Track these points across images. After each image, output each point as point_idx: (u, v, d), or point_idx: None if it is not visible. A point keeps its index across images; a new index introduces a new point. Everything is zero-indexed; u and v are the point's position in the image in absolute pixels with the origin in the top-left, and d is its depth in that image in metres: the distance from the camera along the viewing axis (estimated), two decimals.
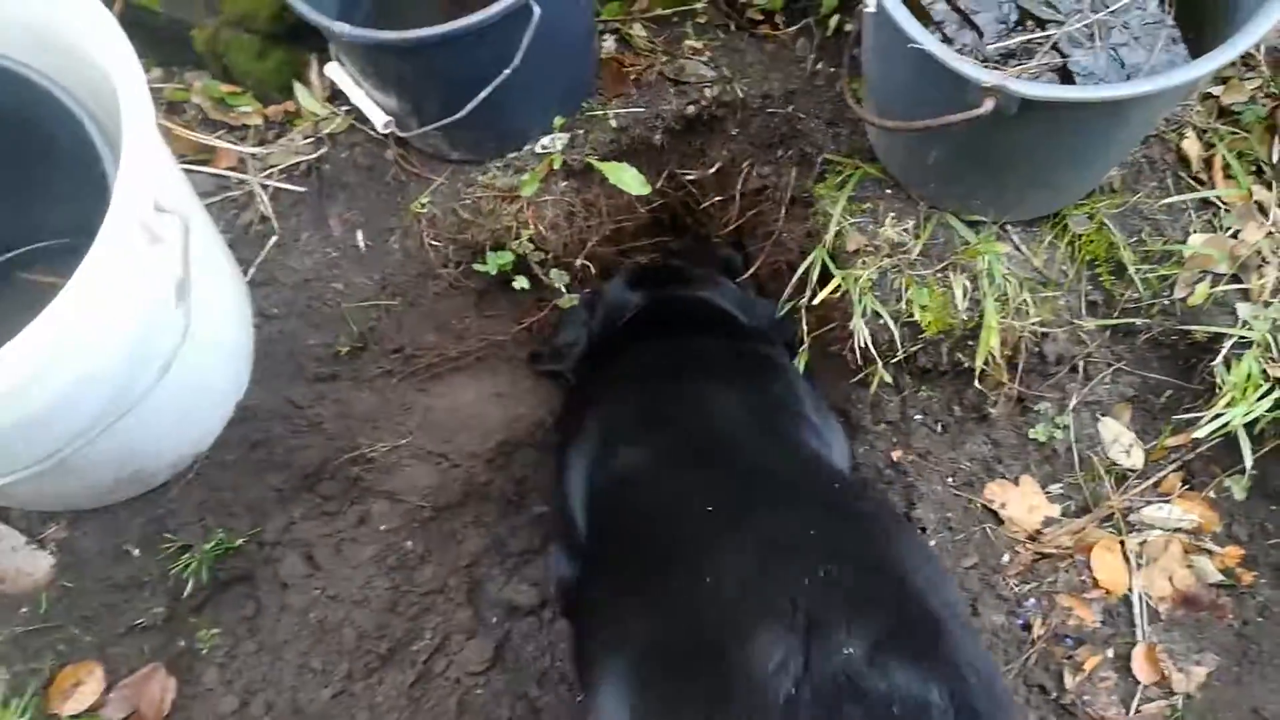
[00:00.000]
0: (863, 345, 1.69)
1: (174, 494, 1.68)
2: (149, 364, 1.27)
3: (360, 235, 1.84)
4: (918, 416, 1.84)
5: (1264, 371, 1.60)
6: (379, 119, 1.75)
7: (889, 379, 1.76)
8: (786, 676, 0.94)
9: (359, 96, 1.76)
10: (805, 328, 1.80)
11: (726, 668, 0.98)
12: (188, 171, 1.85)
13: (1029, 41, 1.46)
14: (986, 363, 1.70)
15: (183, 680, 1.65)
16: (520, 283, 1.84)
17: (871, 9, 1.36)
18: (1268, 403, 1.58)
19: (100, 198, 1.24)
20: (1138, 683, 1.62)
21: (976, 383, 1.75)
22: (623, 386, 1.58)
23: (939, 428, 1.84)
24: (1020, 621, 1.69)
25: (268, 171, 1.86)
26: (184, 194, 1.46)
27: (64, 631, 1.63)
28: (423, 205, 1.81)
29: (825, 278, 1.74)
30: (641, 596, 1.19)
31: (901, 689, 0.93)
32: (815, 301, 1.73)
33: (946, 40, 1.46)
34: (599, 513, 1.45)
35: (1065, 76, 1.45)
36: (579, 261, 1.93)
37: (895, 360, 1.74)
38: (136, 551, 1.66)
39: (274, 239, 1.82)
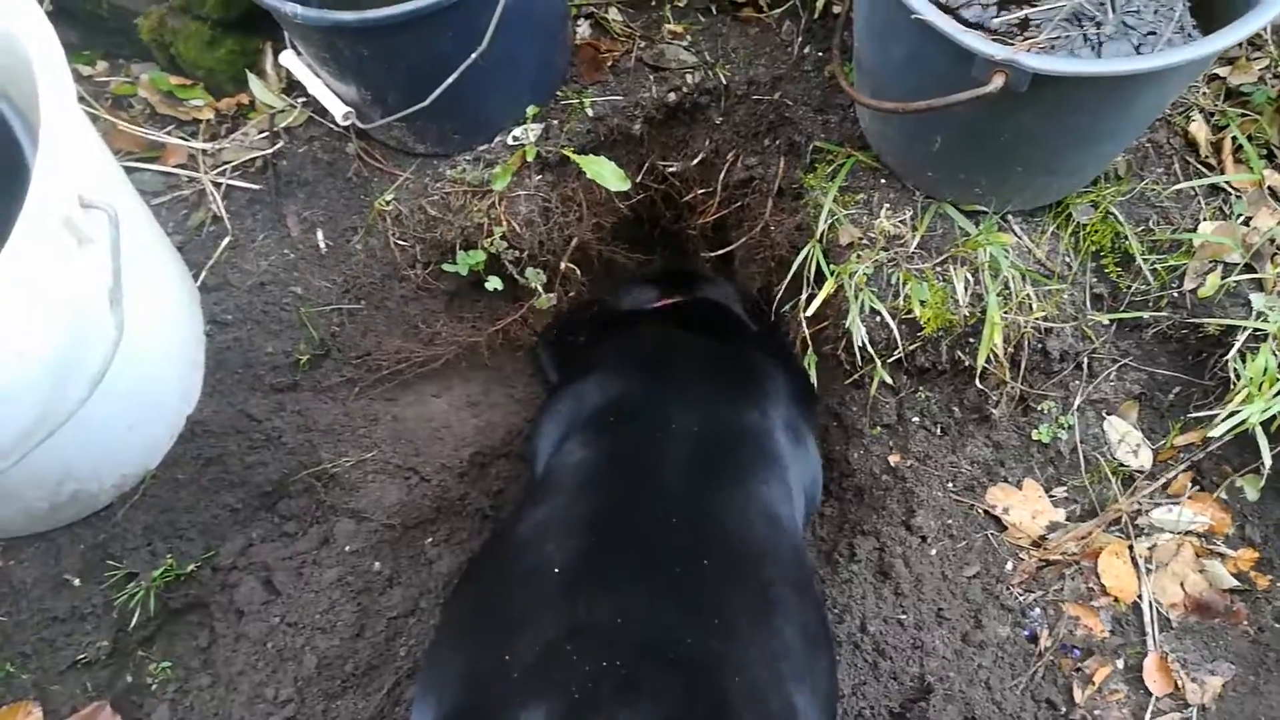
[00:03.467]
0: (860, 344, 1.60)
1: (119, 517, 1.56)
2: (79, 376, 1.14)
3: (320, 235, 1.73)
4: (916, 419, 1.75)
5: None
6: (338, 110, 1.63)
7: (888, 379, 1.67)
8: None
9: (317, 87, 1.65)
10: (804, 330, 1.70)
11: None
12: (133, 170, 1.73)
13: (1026, 17, 1.38)
14: (988, 361, 1.61)
15: (130, 718, 1.53)
16: (493, 283, 1.73)
17: None
18: None
19: (22, 193, 1.12)
20: (1150, 694, 1.55)
21: (977, 382, 1.66)
22: (606, 367, 1.53)
23: (938, 430, 1.75)
24: (1026, 633, 1.61)
25: (220, 168, 1.75)
26: (117, 188, 1.34)
27: None
28: (387, 202, 1.70)
29: (819, 276, 1.65)
30: (487, 622, 1.17)
31: None
32: (812, 307, 1.63)
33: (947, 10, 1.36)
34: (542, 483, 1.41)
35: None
36: (564, 264, 1.82)
37: (893, 359, 1.64)
38: (78, 581, 1.54)
39: (227, 240, 1.71)
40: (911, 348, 1.63)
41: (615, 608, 1.08)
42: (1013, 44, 1.18)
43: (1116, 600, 1.62)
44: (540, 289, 1.76)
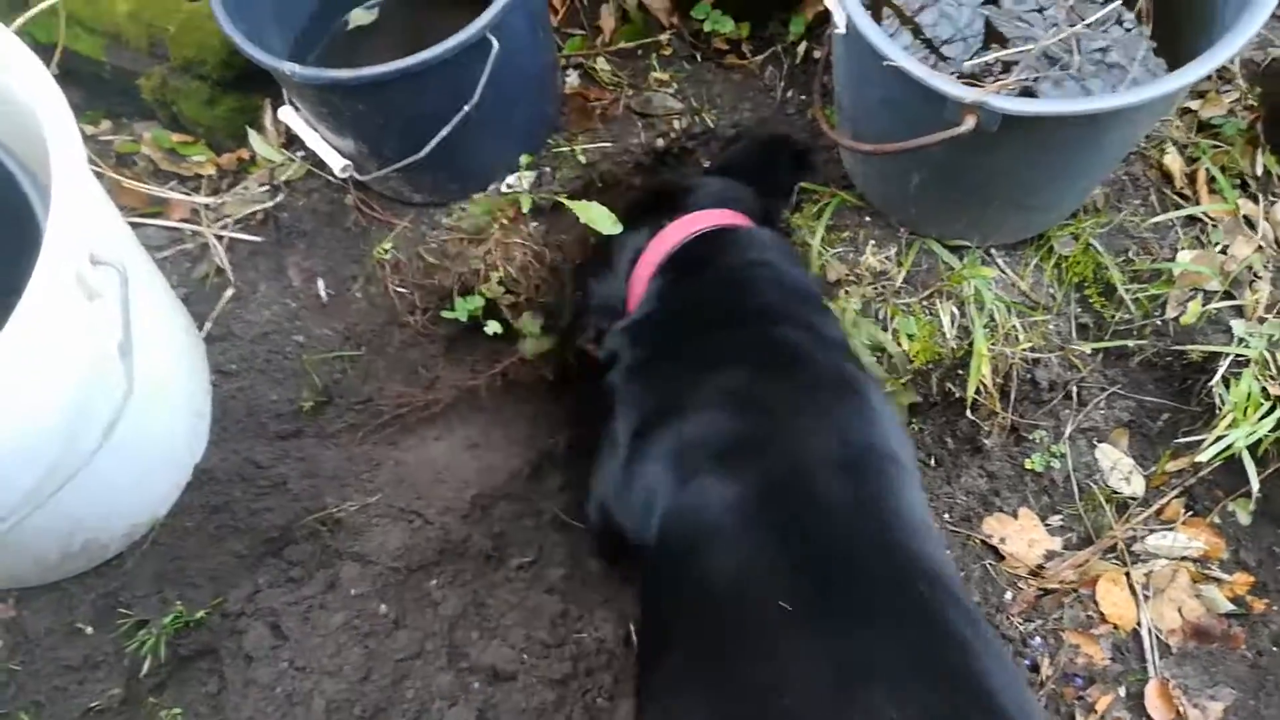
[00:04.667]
0: None
1: (129, 565, 1.59)
2: (89, 429, 1.18)
3: (321, 284, 1.77)
4: None
5: (1264, 390, 1.55)
6: (336, 163, 1.68)
7: None
8: None
9: (315, 140, 1.70)
10: None
11: None
12: (138, 225, 1.78)
13: (1001, 59, 1.42)
14: (978, 392, 1.64)
15: None
16: (493, 327, 1.77)
17: (841, 30, 1.31)
18: (1270, 422, 1.53)
19: (34, 252, 1.16)
20: None
21: (968, 413, 1.69)
22: (698, 397, 1.38)
23: (932, 461, 1.77)
24: (1027, 662, 1.62)
25: (222, 222, 1.79)
26: (125, 245, 1.38)
27: (13, 719, 1.52)
28: (385, 251, 1.74)
29: None
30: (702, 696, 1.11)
31: None
32: None
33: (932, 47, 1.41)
34: (670, 545, 1.29)
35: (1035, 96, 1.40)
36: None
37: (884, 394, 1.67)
38: (90, 629, 1.56)
39: (230, 291, 1.74)
40: (902, 381, 1.66)
41: (873, 648, 1.06)
42: (983, 85, 1.22)
43: (1116, 627, 1.63)
44: (536, 334, 1.79)
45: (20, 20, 1.43)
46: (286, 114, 1.70)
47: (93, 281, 1.10)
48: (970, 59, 1.39)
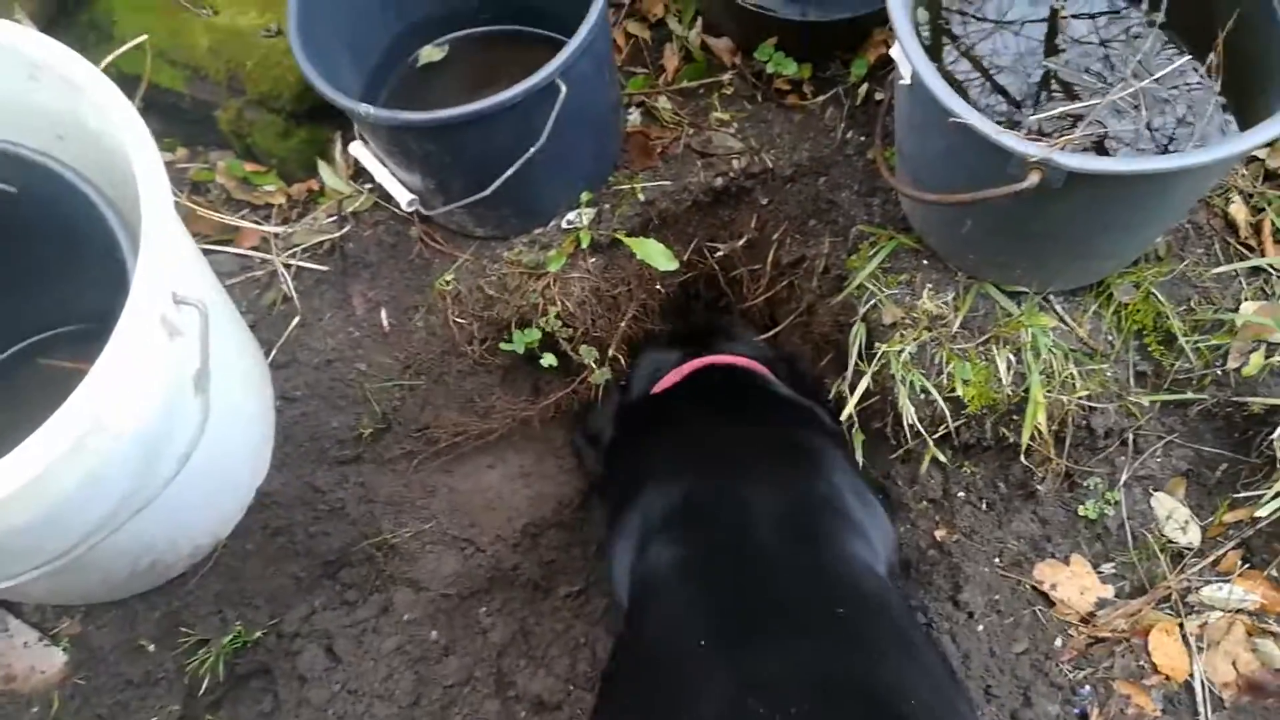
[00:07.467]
0: (910, 423, 1.63)
1: (191, 585, 1.63)
2: (167, 457, 1.22)
3: (384, 314, 1.81)
4: (961, 494, 1.77)
5: None
6: (403, 197, 1.72)
7: (942, 459, 1.70)
8: None
9: (383, 175, 1.74)
10: (850, 406, 1.74)
11: None
12: (210, 252, 1.83)
13: (1068, 112, 1.43)
14: (1032, 438, 1.63)
15: None
16: (548, 360, 1.80)
17: (906, 81, 1.32)
18: None
19: (119, 284, 1.21)
20: None
21: (1022, 458, 1.68)
22: (663, 471, 1.54)
23: (984, 505, 1.76)
24: (1076, 711, 1.61)
25: (291, 250, 1.84)
26: (204, 282, 1.43)
27: None
28: (447, 283, 1.78)
29: (869, 355, 1.69)
30: None
31: None
32: (861, 385, 1.69)
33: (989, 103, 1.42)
34: (633, 607, 1.40)
35: (1101, 148, 1.40)
36: (611, 350, 1.89)
37: (936, 436, 1.67)
38: (152, 646, 1.61)
39: (296, 319, 1.79)
40: (956, 424, 1.66)
41: (775, 665, 1.11)
42: (1047, 141, 1.22)
43: (1168, 679, 1.61)
44: (594, 365, 1.82)
45: (111, 56, 1.50)
46: (356, 148, 1.75)
47: (176, 321, 1.15)
48: (1035, 113, 1.40)
